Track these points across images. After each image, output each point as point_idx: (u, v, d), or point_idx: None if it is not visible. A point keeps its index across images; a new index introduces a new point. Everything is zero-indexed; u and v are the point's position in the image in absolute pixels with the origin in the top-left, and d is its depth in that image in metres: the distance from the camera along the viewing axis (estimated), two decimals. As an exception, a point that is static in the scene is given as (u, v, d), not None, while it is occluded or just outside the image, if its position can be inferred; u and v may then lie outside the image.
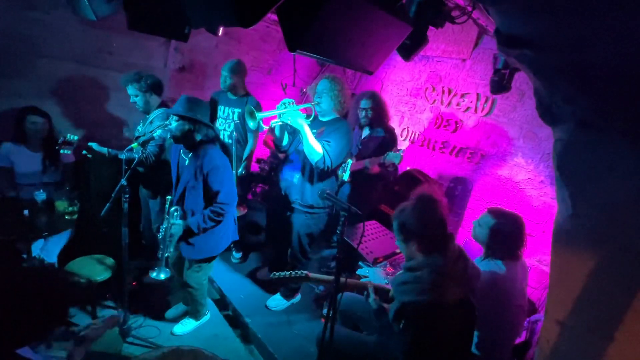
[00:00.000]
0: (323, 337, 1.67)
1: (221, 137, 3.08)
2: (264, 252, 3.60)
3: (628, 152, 0.94)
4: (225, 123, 3.14)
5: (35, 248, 2.41)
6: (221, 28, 2.30)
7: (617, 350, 0.99)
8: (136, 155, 2.18)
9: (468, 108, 3.53)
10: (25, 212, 2.32)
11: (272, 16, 3.24)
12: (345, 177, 2.14)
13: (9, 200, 2.48)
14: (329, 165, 2.35)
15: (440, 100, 3.76)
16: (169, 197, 2.21)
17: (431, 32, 1.96)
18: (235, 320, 2.78)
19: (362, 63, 1.63)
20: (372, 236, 2.55)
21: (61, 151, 2.44)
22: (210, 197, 2.14)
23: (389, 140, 3.10)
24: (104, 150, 2.52)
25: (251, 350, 2.53)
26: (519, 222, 1.91)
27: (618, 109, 0.93)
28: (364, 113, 3.06)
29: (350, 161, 2.18)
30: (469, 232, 2.92)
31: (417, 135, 3.97)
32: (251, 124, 2.42)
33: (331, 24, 1.28)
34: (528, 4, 0.91)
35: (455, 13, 1.98)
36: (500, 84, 2.45)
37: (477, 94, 3.46)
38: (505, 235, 1.87)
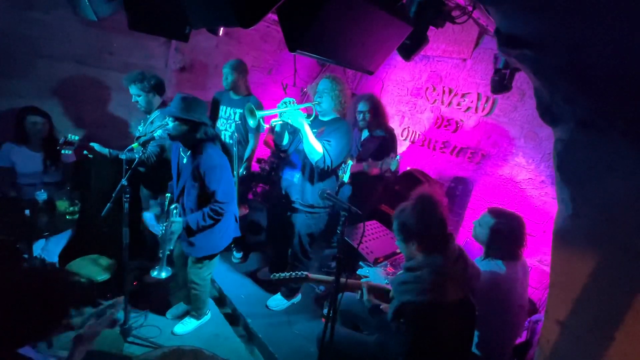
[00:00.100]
0: (323, 337, 1.67)
1: (222, 137, 3.08)
2: (264, 252, 3.61)
3: (628, 152, 0.94)
4: (227, 123, 3.14)
5: (36, 248, 2.41)
6: (221, 28, 2.31)
7: (617, 350, 0.99)
8: (137, 156, 2.18)
9: (469, 108, 3.53)
10: (26, 212, 2.32)
11: (272, 16, 3.23)
12: (345, 178, 2.14)
13: (9, 200, 2.47)
14: (329, 165, 2.35)
15: (441, 100, 3.75)
16: (168, 195, 2.21)
17: (431, 32, 1.95)
18: (235, 320, 2.78)
19: (362, 63, 1.63)
20: (372, 236, 2.54)
21: (62, 151, 2.45)
22: (207, 195, 2.14)
23: (389, 141, 3.10)
24: (105, 150, 2.53)
25: (252, 350, 2.53)
26: (520, 222, 1.90)
27: (618, 109, 0.93)
28: (361, 116, 3.06)
29: (350, 162, 2.18)
30: (469, 232, 2.91)
31: (417, 135, 3.97)
32: (251, 122, 2.41)
33: (331, 24, 1.27)
34: (528, 4, 0.91)
35: (455, 13, 1.97)
36: (500, 84, 2.45)
37: (478, 94, 3.46)
38: (506, 235, 1.87)
